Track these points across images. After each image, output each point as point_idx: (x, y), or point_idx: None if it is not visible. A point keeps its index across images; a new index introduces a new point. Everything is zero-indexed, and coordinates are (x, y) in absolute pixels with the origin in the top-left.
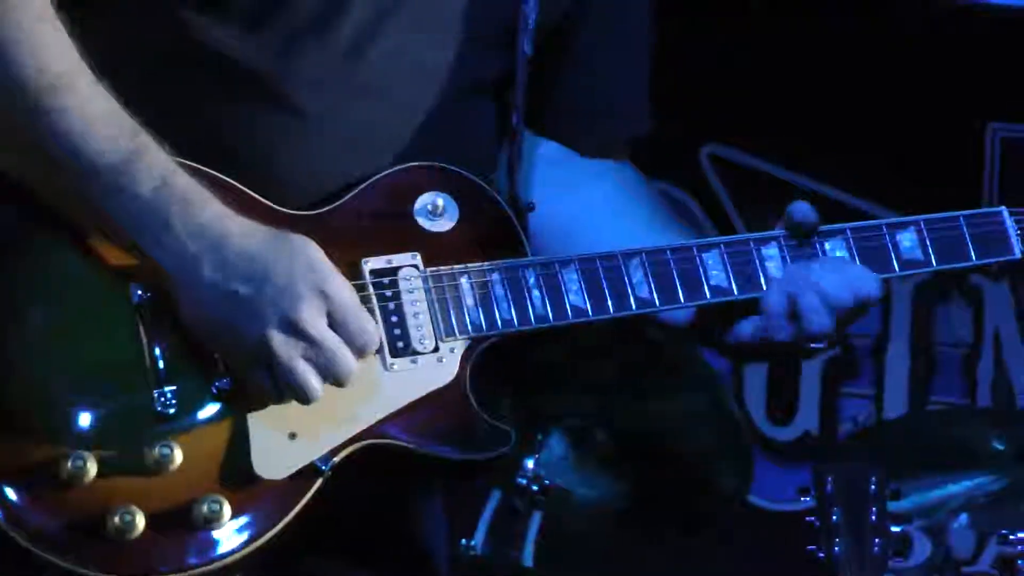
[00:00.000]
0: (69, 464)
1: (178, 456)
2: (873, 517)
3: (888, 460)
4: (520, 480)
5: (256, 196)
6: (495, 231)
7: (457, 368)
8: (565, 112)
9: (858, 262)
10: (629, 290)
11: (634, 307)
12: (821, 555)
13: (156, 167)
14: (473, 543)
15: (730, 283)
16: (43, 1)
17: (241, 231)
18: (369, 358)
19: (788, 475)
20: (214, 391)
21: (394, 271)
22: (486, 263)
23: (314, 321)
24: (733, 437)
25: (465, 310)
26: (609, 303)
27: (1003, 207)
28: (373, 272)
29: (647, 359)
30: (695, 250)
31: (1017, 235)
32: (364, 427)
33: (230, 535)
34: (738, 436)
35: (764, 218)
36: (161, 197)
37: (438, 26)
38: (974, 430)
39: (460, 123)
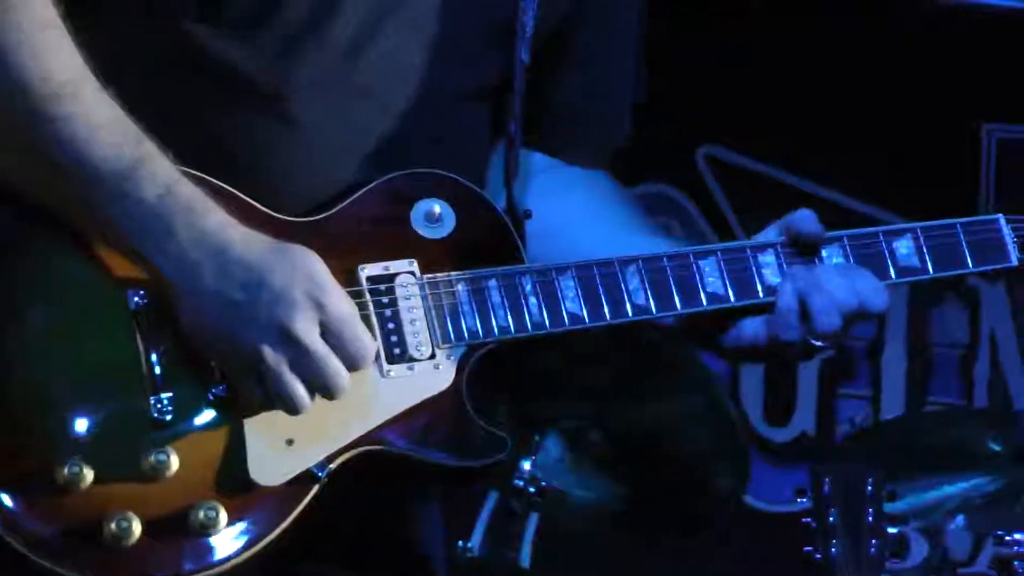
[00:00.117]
0: (65, 470)
1: (174, 462)
2: (870, 518)
3: (885, 461)
4: (517, 482)
5: (255, 204)
6: (492, 238)
7: (453, 375)
8: (549, 121)
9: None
10: (626, 297)
11: (631, 314)
12: (818, 556)
13: (160, 174)
14: (470, 545)
15: (727, 290)
16: (48, 8)
17: (242, 240)
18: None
19: (785, 476)
20: (211, 398)
21: (391, 278)
22: (483, 270)
23: (307, 331)
24: (730, 438)
25: (462, 317)
26: (606, 310)
27: (1000, 215)
28: (370, 279)
29: (643, 361)
30: (692, 257)
31: (1014, 242)
32: (360, 434)
33: (226, 541)
34: (735, 437)
35: (761, 220)
36: (165, 204)
37: (434, 32)
38: (970, 431)
39: (455, 129)
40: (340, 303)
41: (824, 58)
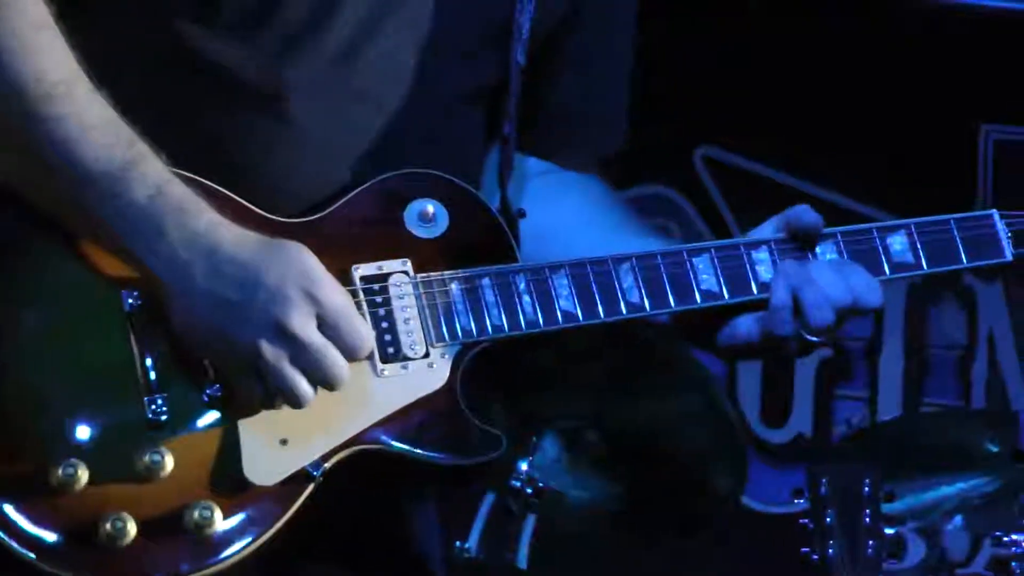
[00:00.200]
0: (60, 471)
1: (169, 463)
2: (867, 519)
3: (882, 462)
4: (514, 483)
5: (249, 205)
6: (485, 238)
7: (448, 373)
8: (544, 124)
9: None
10: (620, 295)
11: (624, 312)
12: (815, 557)
13: (152, 175)
14: (467, 546)
15: (720, 288)
16: (42, 9)
17: (234, 239)
18: (360, 364)
19: (782, 477)
20: (205, 398)
21: (384, 277)
22: (476, 269)
23: (304, 325)
24: (727, 438)
25: (456, 316)
26: (599, 308)
27: (994, 210)
28: (363, 279)
29: (639, 360)
30: (685, 255)
31: (1008, 238)
32: (355, 433)
33: (222, 541)
34: (732, 437)
35: (759, 221)
36: (156, 205)
37: (431, 34)
38: (968, 432)
39: (452, 130)
40: (334, 295)
41: (822, 59)
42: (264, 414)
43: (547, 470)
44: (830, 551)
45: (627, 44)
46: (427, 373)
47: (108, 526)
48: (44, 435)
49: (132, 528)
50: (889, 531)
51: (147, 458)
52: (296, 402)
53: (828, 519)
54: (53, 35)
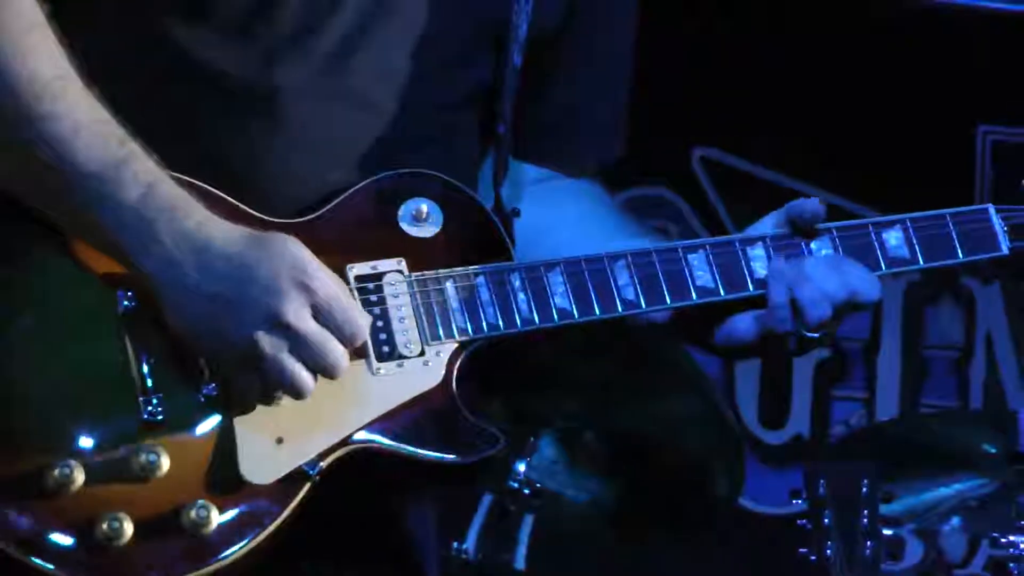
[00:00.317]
0: (56, 472)
1: (165, 463)
2: (865, 520)
3: (880, 463)
4: (511, 483)
5: (242, 206)
6: (480, 236)
7: (443, 372)
8: (541, 130)
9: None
10: (615, 292)
11: (620, 309)
12: (813, 558)
13: (143, 174)
14: (465, 546)
15: (716, 284)
16: (35, 9)
17: (224, 235)
18: (356, 363)
19: (780, 478)
20: (201, 398)
21: (379, 276)
22: (471, 267)
23: (299, 316)
24: (725, 440)
25: (451, 314)
26: (595, 305)
27: (989, 204)
28: (358, 278)
29: (637, 362)
30: (681, 251)
31: (1004, 231)
32: (351, 431)
33: (219, 540)
34: (730, 438)
35: (756, 222)
36: (147, 204)
37: (425, 35)
38: (966, 433)
39: (447, 132)
40: (327, 284)
41: (819, 60)
42: (260, 413)
43: (545, 471)
44: (828, 552)
45: (626, 48)
46: (423, 371)
47: (105, 526)
48: (40, 436)
49: (129, 528)
50: (887, 532)
51: (143, 458)
52: (297, 392)
53: (826, 520)
54: (46, 35)
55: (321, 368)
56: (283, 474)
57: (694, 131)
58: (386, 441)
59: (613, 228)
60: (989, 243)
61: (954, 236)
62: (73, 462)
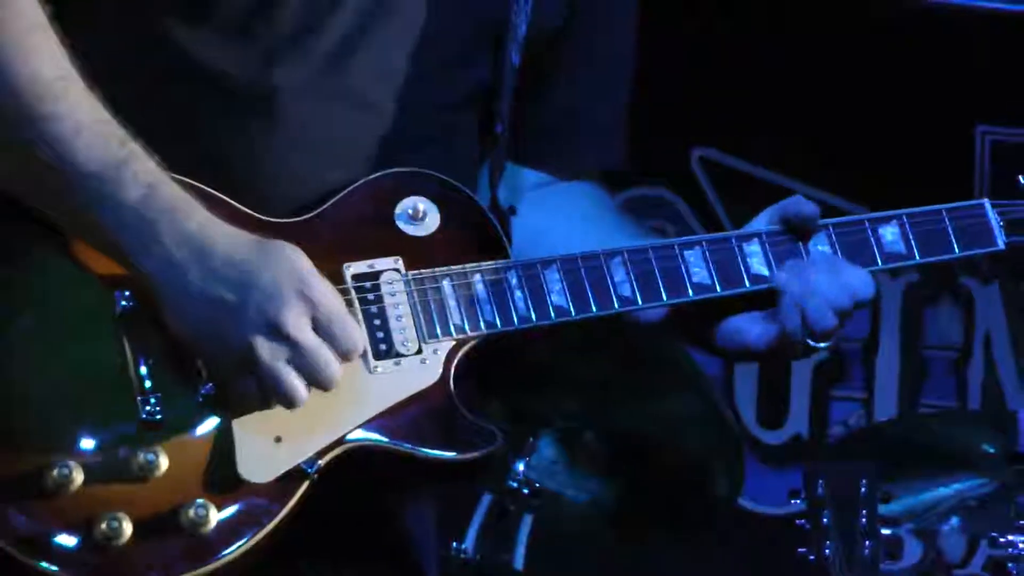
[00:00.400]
0: (55, 472)
1: (164, 462)
2: (864, 520)
3: (879, 463)
4: (511, 483)
5: (241, 207)
6: (477, 235)
7: (441, 370)
8: (540, 133)
9: (841, 257)
10: (611, 289)
11: (616, 306)
12: (812, 558)
13: (144, 175)
14: (464, 546)
15: (713, 281)
16: (36, 9)
17: (227, 239)
18: (354, 362)
19: (779, 478)
20: (199, 398)
21: (376, 275)
22: (468, 265)
23: (299, 326)
24: (725, 440)
25: (448, 312)
26: (592, 303)
27: (986, 199)
28: (355, 277)
29: (637, 360)
30: (677, 248)
31: (1000, 226)
32: (349, 430)
33: (217, 539)
34: (730, 438)
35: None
36: (148, 205)
37: (425, 35)
38: (965, 433)
39: (446, 131)
40: (328, 297)
41: (818, 60)
42: (258, 412)
43: (544, 471)
44: (827, 552)
45: (627, 49)
46: (420, 369)
47: (104, 526)
48: (38, 436)
49: (128, 528)
50: (886, 532)
51: (142, 458)
52: (290, 401)
53: (825, 520)
54: (48, 35)
55: (314, 380)
56: (281, 473)
57: (693, 131)
58: (384, 439)
59: (612, 229)
60: (985, 238)
61: (950, 231)
62: (72, 462)
